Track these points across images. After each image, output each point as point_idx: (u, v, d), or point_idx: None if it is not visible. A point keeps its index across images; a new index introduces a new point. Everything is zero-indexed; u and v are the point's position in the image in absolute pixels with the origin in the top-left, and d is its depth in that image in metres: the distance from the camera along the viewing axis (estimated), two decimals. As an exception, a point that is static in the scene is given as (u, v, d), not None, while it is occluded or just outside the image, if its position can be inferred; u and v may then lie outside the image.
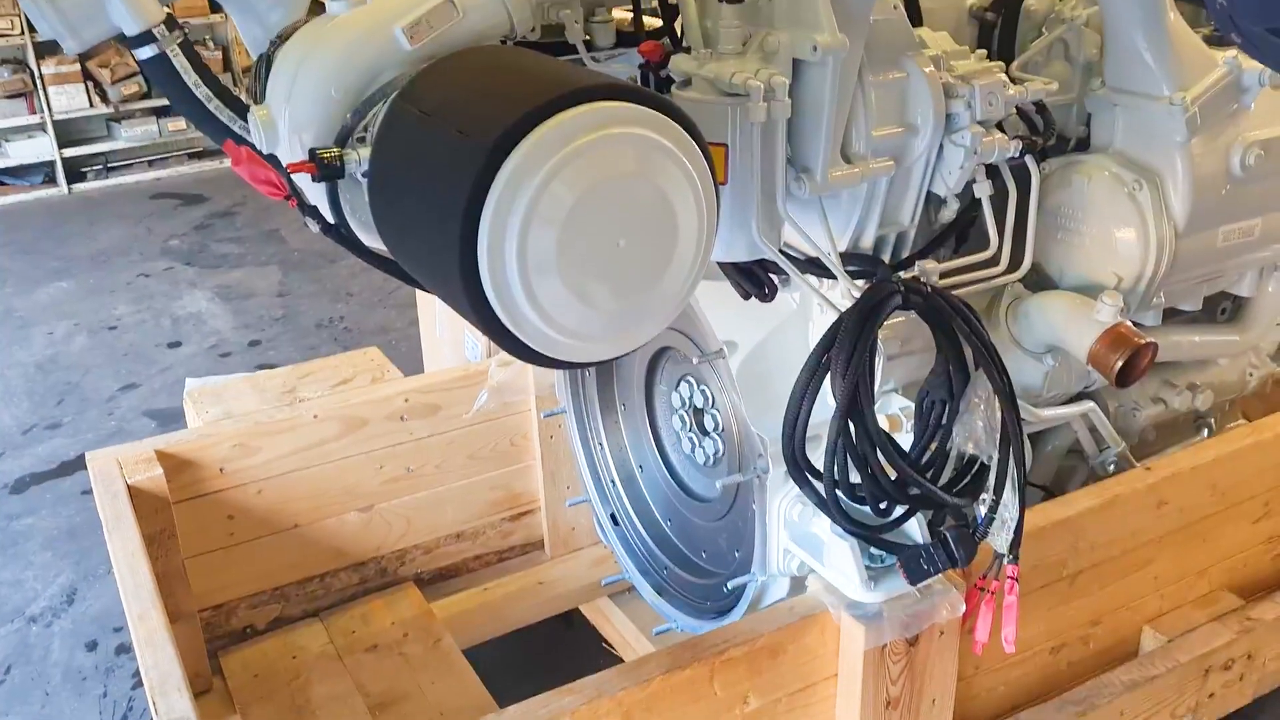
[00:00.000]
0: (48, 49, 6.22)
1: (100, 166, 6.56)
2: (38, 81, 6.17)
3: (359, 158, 1.28)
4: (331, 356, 2.62)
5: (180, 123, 6.62)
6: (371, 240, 1.43)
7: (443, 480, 2.29)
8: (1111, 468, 1.92)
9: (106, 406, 3.75)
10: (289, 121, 1.36)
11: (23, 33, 6.07)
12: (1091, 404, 1.81)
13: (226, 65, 6.81)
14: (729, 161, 1.33)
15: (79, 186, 6.40)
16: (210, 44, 6.74)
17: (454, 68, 1.21)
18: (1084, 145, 1.75)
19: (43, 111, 6.23)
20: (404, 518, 2.28)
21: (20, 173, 6.37)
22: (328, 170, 1.28)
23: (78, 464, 3.38)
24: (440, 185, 1.06)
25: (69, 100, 6.31)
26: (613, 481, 2.17)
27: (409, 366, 2.85)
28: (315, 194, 1.38)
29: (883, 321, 1.38)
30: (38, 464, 3.40)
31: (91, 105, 6.42)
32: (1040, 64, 1.71)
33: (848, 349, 1.36)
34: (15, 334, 4.38)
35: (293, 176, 1.33)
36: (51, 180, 6.39)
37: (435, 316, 2.73)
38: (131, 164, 6.65)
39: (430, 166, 1.08)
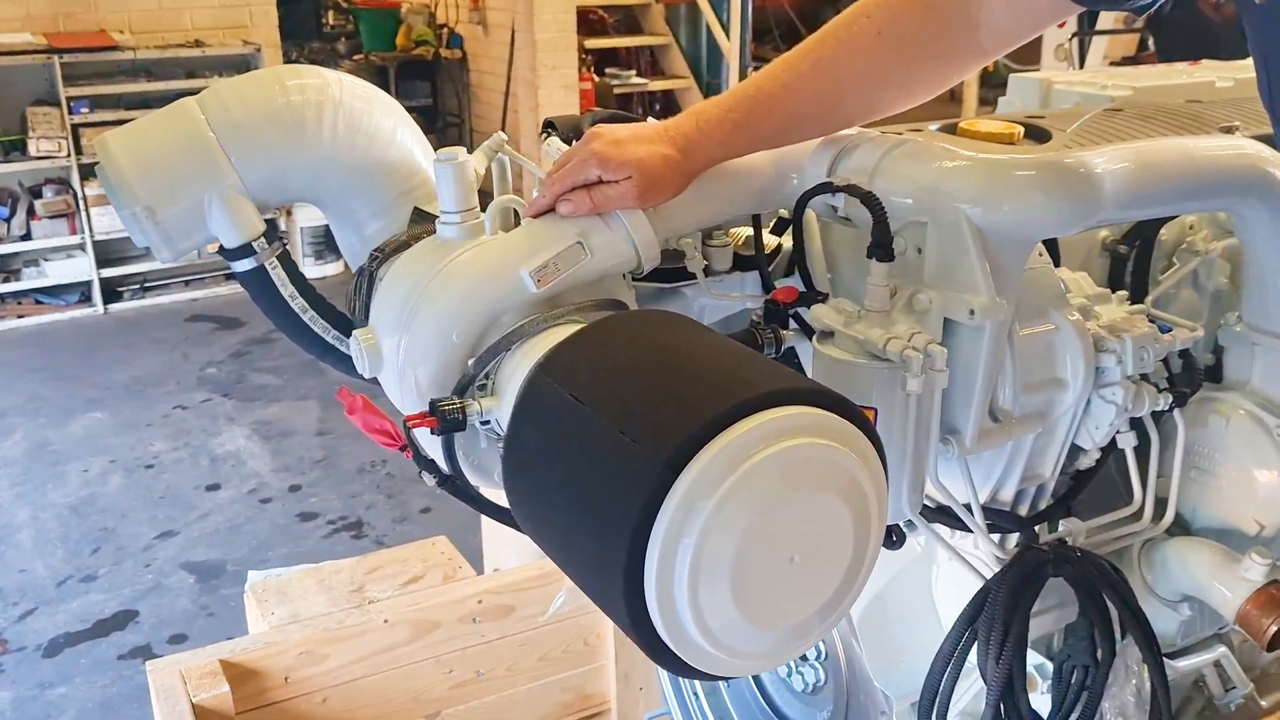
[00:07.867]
0: (92, 171, 6.25)
1: (137, 286, 6.55)
2: (81, 203, 6.20)
3: (480, 408, 1.22)
4: (399, 548, 2.53)
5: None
6: (484, 484, 1.36)
7: (513, 683, 2.18)
8: (1234, 707, 1.80)
9: (143, 556, 3.65)
10: (403, 355, 1.30)
11: (68, 155, 6.11)
12: (1224, 648, 1.70)
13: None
14: (876, 426, 1.25)
15: (115, 306, 6.38)
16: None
17: (601, 343, 1.12)
18: (1211, 374, 1.67)
19: (84, 232, 6.24)
20: (471, 724, 2.17)
21: (57, 292, 6.35)
22: (449, 424, 1.22)
23: (113, 623, 3.28)
24: (602, 493, 0.97)
25: (111, 221, 6.29)
26: (695, 694, 2.05)
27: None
28: (431, 445, 1.32)
29: (1036, 597, 1.30)
30: (72, 622, 3.28)
31: (132, 226, 6.42)
32: (1171, 295, 1.64)
33: (1000, 631, 1.27)
34: (50, 471, 4.29)
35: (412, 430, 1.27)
36: (87, 299, 6.37)
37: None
38: (168, 284, 6.64)
39: (588, 467, 1.00)
